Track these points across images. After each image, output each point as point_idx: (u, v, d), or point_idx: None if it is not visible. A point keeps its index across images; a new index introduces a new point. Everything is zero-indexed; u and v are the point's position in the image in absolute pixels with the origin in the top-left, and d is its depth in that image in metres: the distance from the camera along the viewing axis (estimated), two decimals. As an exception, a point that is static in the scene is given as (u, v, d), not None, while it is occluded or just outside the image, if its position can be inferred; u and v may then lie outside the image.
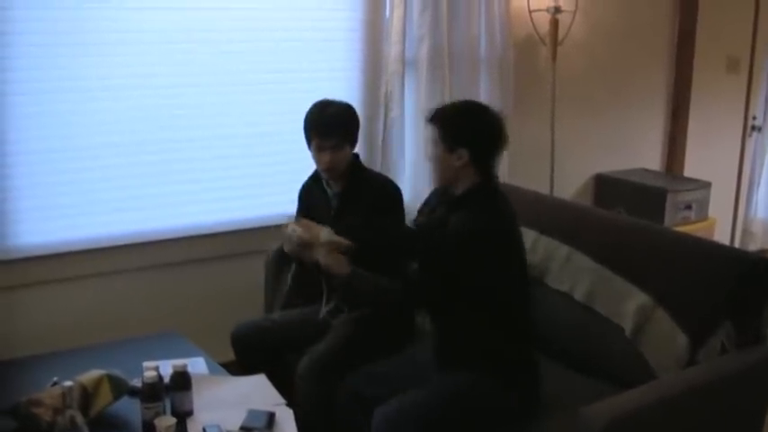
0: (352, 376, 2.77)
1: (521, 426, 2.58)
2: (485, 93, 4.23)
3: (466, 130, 2.60)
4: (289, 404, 2.59)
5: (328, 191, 3.15)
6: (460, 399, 2.57)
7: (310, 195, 3.26)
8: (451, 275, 2.51)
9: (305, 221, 2.88)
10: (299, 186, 3.29)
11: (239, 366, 3.10)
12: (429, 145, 2.71)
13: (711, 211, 4.96)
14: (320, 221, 3.07)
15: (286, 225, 2.86)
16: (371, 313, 2.99)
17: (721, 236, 5.13)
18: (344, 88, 3.86)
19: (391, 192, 3.16)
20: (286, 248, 2.89)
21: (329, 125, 3.01)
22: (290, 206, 3.31)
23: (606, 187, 4.97)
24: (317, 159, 3.07)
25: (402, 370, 2.79)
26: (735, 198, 5.53)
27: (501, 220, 2.62)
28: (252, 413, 2.47)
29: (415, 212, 3.43)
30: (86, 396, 2.41)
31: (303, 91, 3.59)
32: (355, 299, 2.84)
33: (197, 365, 2.80)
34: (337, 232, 2.75)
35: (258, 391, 2.66)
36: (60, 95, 3.31)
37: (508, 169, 4.22)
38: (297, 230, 2.80)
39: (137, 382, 2.52)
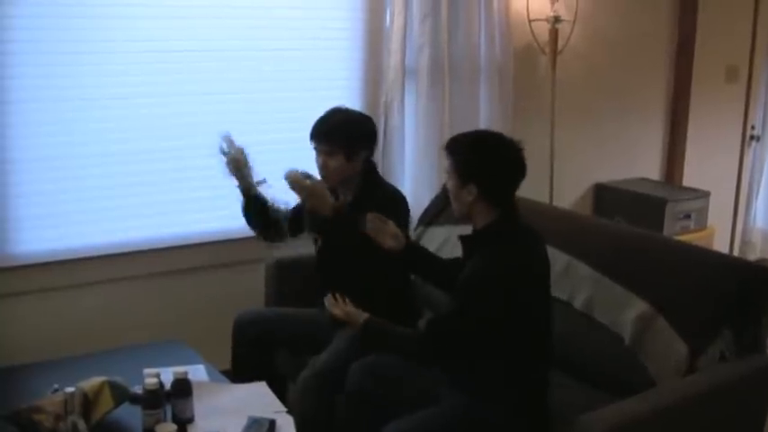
0: (355, 373, 2.74)
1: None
2: (484, 102, 4.25)
3: (475, 165, 2.49)
4: (288, 411, 2.60)
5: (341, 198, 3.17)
6: (471, 424, 2.53)
7: None
8: (468, 324, 2.43)
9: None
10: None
11: (232, 356, 3.17)
12: (446, 175, 2.61)
13: (710, 221, 4.97)
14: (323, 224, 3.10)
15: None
16: None
17: (720, 245, 5.14)
18: (345, 97, 3.87)
19: (396, 206, 3.13)
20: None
21: (322, 130, 3.05)
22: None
23: (605, 196, 4.98)
24: (316, 163, 3.10)
25: (408, 376, 2.77)
26: (734, 207, 5.55)
27: (517, 263, 2.47)
28: (252, 420, 2.47)
29: (416, 221, 3.45)
30: (87, 403, 2.41)
31: (304, 99, 3.61)
32: (371, 348, 2.76)
33: (198, 373, 2.80)
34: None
35: (258, 399, 2.66)
36: (64, 104, 3.32)
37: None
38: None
39: (138, 389, 2.53)
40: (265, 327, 3.18)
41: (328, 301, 2.70)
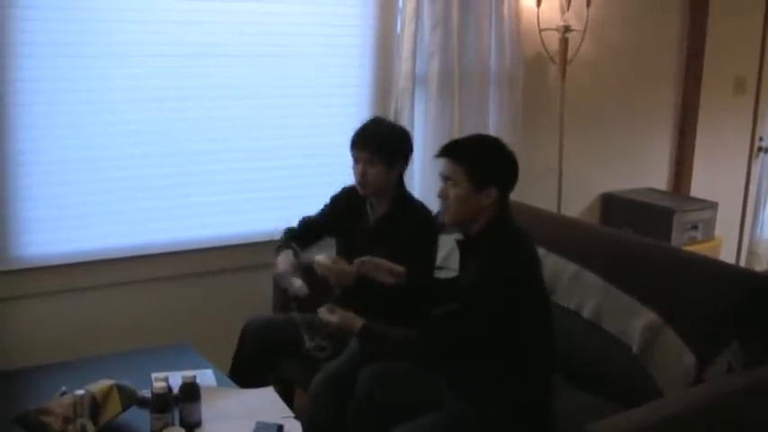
0: (364, 378, 2.75)
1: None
2: (493, 110, 4.25)
3: (495, 167, 2.52)
4: (296, 417, 2.60)
5: (370, 213, 3.17)
6: (471, 430, 2.53)
7: (347, 205, 3.28)
8: (474, 327, 2.43)
9: (337, 264, 2.87)
10: (309, 200, 3.31)
11: (234, 359, 3.17)
12: (443, 183, 2.57)
13: (717, 232, 4.96)
14: (349, 243, 3.14)
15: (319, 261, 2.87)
16: None
17: (727, 256, 5.14)
18: (354, 104, 3.89)
19: (428, 227, 3.15)
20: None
21: (365, 137, 3.08)
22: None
23: (613, 206, 4.98)
24: (354, 171, 3.11)
25: (417, 383, 2.77)
26: (741, 219, 5.55)
27: (521, 261, 2.51)
28: (260, 425, 2.48)
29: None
30: (96, 406, 2.42)
31: (313, 106, 3.62)
32: (371, 353, 2.75)
33: (206, 377, 2.81)
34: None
35: (266, 404, 2.67)
36: (77, 106, 3.33)
37: (516, 186, 4.23)
38: (323, 263, 2.81)
39: (146, 393, 2.54)
40: (275, 333, 3.18)
41: (321, 311, 2.67)
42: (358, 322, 2.58)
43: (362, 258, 2.81)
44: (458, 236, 2.67)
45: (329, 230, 3.32)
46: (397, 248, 2.89)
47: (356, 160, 3.09)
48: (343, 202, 3.29)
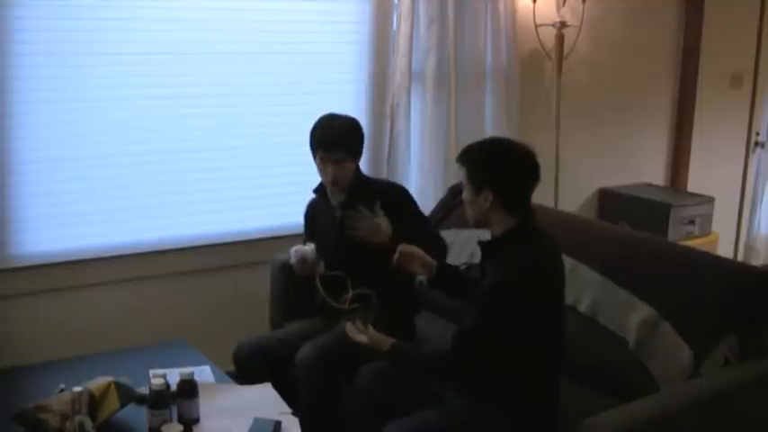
0: (365, 373, 2.77)
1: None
2: (490, 106, 4.26)
3: (489, 171, 2.50)
4: (294, 413, 2.60)
5: (332, 199, 3.17)
6: (471, 428, 2.54)
7: (315, 214, 3.30)
8: (489, 333, 2.43)
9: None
10: (307, 197, 3.30)
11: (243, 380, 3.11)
12: (466, 187, 2.58)
13: (714, 227, 4.97)
14: (326, 236, 3.14)
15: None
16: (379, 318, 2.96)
17: (724, 251, 5.14)
18: (351, 100, 3.89)
19: (396, 191, 3.19)
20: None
21: (334, 139, 3.03)
22: (300, 217, 3.34)
23: (610, 202, 4.99)
24: (323, 172, 3.09)
25: (417, 380, 2.76)
26: (738, 213, 5.55)
27: (537, 268, 2.47)
28: (258, 421, 2.48)
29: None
30: (94, 402, 2.42)
31: (311, 103, 3.60)
32: (400, 368, 2.74)
33: (203, 374, 2.81)
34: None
35: (264, 400, 2.66)
36: (70, 105, 3.34)
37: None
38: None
39: (144, 390, 2.54)
40: (265, 355, 3.09)
41: (349, 329, 2.69)
42: (387, 342, 2.60)
43: (400, 248, 2.80)
44: (480, 236, 2.67)
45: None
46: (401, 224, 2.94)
47: (325, 161, 3.04)
48: (313, 215, 3.31)
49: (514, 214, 2.49)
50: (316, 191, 3.24)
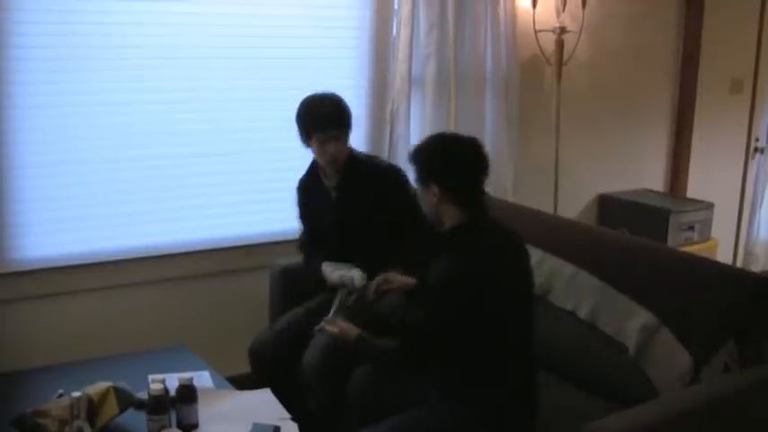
0: (361, 375, 2.82)
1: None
2: (489, 111, 4.26)
3: (433, 165, 2.54)
4: (293, 418, 2.60)
5: (326, 182, 3.17)
6: (443, 423, 2.55)
7: (307, 192, 3.31)
8: (438, 327, 2.45)
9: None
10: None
11: (256, 379, 3.12)
12: None
13: (714, 233, 4.97)
14: (321, 218, 3.18)
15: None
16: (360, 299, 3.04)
17: (723, 257, 5.14)
18: (351, 106, 3.85)
19: (392, 173, 3.22)
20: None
21: (329, 117, 3.06)
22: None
23: (609, 207, 4.99)
24: (321, 153, 3.10)
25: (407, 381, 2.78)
26: (737, 219, 5.55)
27: (481, 261, 2.47)
28: (257, 427, 2.48)
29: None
30: (92, 408, 2.42)
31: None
32: (365, 360, 2.83)
33: (202, 379, 2.81)
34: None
35: (263, 406, 2.67)
36: (69, 109, 3.34)
37: (513, 188, 4.25)
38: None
39: (143, 395, 2.53)
40: (280, 345, 3.14)
41: (328, 321, 2.79)
42: (353, 332, 2.66)
43: (376, 280, 2.98)
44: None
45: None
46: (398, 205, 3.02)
47: (324, 141, 3.06)
48: (306, 192, 3.33)
49: (465, 209, 2.52)
50: (307, 174, 3.27)
